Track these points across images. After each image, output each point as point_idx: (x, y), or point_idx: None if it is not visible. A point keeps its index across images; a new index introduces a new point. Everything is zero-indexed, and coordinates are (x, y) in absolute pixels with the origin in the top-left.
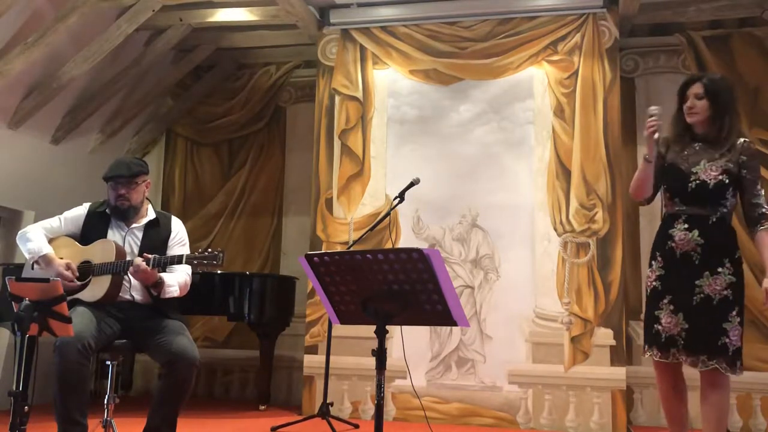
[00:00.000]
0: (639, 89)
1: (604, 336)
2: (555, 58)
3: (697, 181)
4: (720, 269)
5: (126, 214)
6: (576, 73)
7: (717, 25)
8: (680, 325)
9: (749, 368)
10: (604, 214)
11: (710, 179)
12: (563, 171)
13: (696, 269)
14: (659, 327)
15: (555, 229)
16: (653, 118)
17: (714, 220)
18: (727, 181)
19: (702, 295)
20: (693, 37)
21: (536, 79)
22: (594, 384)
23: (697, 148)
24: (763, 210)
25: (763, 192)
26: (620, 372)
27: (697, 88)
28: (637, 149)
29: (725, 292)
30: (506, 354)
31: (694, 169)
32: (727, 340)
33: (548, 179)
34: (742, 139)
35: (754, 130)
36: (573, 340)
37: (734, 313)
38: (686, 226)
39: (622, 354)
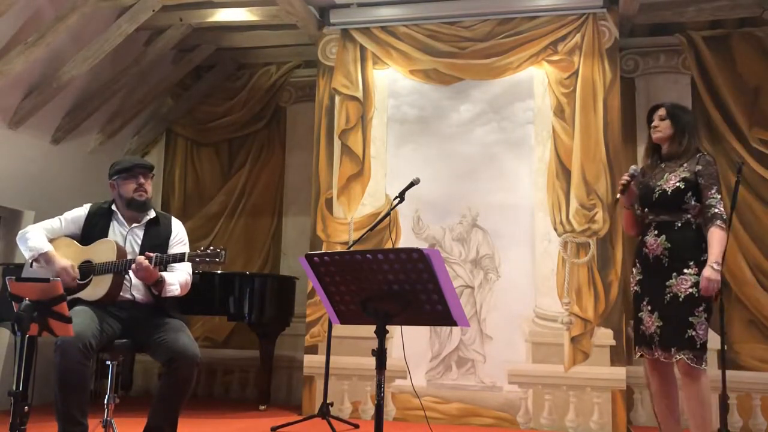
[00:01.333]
0: (639, 89)
1: (604, 336)
2: (555, 58)
3: (660, 191)
4: (686, 270)
5: (143, 207)
6: (576, 73)
7: (717, 25)
8: (656, 323)
9: (749, 368)
10: (604, 214)
11: (669, 187)
12: (563, 171)
13: (666, 271)
14: (643, 327)
15: (555, 229)
16: (627, 174)
17: (679, 225)
18: (683, 187)
19: (671, 294)
20: (693, 37)
21: (536, 79)
22: (594, 384)
23: (663, 166)
24: (716, 210)
25: (719, 196)
26: (620, 372)
27: (661, 112)
28: (637, 149)
29: (691, 290)
30: (506, 354)
31: (659, 182)
32: (694, 333)
33: (548, 179)
34: (700, 153)
35: (754, 130)
36: (573, 340)
37: (701, 309)
38: (656, 232)
39: (622, 354)
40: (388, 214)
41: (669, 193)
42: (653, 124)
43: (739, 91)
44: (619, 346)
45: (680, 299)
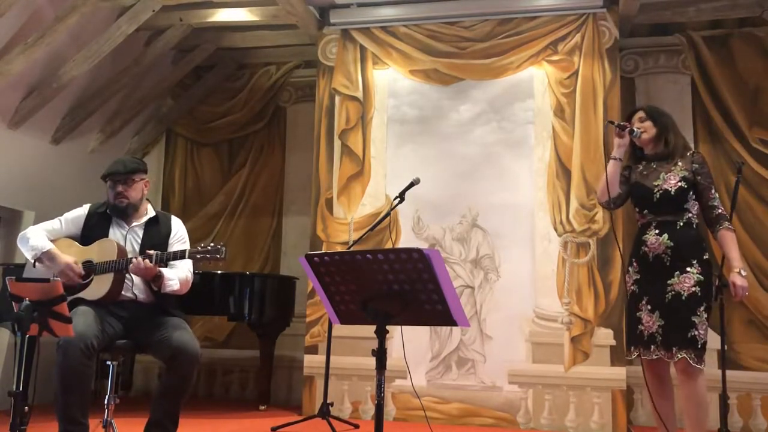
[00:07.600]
0: (639, 89)
1: (604, 336)
2: (555, 58)
3: (661, 191)
4: (689, 269)
5: (125, 212)
6: (576, 73)
7: (717, 25)
8: (657, 322)
9: (749, 368)
10: (605, 214)
11: (671, 187)
12: (563, 171)
13: (667, 270)
14: (641, 327)
15: (555, 229)
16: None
17: (681, 224)
18: (686, 186)
19: (673, 293)
20: (693, 37)
21: (536, 79)
22: (594, 384)
23: (654, 166)
24: (720, 211)
25: (717, 195)
26: (620, 372)
27: (639, 114)
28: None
29: (694, 289)
30: (506, 354)
31: (655, 183)
32: (696, 333)
33: (548, 179)
34: (690, 151)
35: (754, 130)
36: (573, 340)
37: (702, 308)
38: (657, 231)
39: (622, 354)
40: (388, 214)
41: (672, 192)
42: (635, 126)
43: (739, 91)
44: (619, 346)
45: (683, 298)
